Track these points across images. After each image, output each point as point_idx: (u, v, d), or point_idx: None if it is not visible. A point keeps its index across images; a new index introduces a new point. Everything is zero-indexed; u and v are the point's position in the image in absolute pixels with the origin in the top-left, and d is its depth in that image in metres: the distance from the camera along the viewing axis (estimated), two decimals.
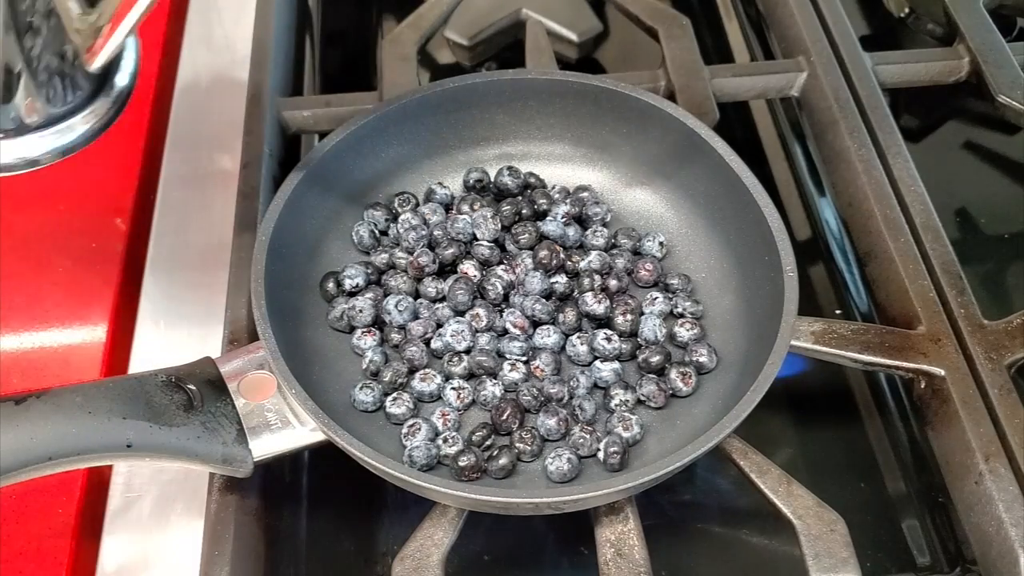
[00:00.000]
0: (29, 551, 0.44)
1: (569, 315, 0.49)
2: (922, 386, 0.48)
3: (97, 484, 0.47)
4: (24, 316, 0.52)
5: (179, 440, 0.40)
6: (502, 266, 0.51)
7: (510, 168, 0.55)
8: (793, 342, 0.47)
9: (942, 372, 0.47)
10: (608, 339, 0.48)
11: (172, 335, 0.53)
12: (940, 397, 0.47)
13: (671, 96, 0.60)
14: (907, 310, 0.50)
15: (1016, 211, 0.62)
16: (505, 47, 0.71)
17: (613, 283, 0.51)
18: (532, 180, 0.55)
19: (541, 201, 0.54)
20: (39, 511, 0.45)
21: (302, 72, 0.69)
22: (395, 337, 0.49)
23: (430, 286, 0.51)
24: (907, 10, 0.71)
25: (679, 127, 0.52)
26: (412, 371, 0.48)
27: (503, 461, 0.45)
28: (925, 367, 0.47)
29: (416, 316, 0.50)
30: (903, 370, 0.48)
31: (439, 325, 0.50)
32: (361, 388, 0.47)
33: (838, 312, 0.58)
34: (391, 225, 0.54)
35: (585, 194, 0.55)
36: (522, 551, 0.49)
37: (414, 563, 0.41)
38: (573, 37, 0.71)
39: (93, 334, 0.52)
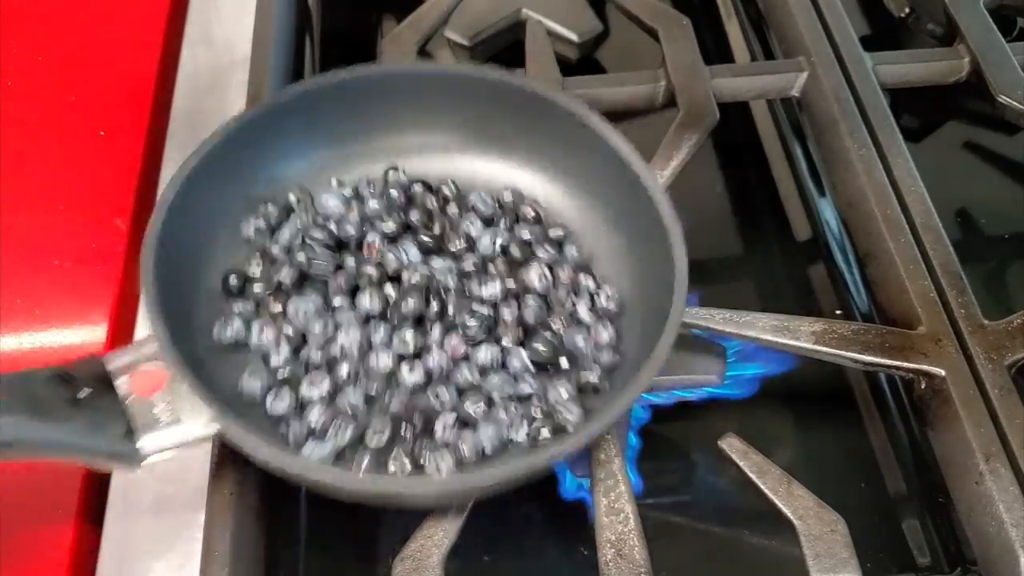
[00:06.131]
0: (29, 549, 0.44)
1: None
2: (922, 386, 0.48)
3: (97, 483, 0.47)
4: (24, 316, 0.52)
5: (62, 435, 0.40)
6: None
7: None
8: (793, 342, 0.48)
9: (942, 372, 0.47)
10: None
11: None
12: (940, 397, 0.47)
13: (671, 97, 0.60)
14: (907, 310, 0.50)
15: (1016, 211, 0.62)
16: (505, 47, 0.71)
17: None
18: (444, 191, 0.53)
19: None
20: (38, 509, 0.45)
21: (302, 72, 0.69)
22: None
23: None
24: (907, 10, 0.71)
25: (550, 107, 0.51)
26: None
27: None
28: (925, 367, 0.47)
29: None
30: (903, 370, 0.48)
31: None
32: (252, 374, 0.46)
33: (838, 312, 0.58)
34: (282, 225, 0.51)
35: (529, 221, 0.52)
36: (522, 551, 0.49)
37: (414, 563, 0.41)
38: (573, 37, 0.71)
39: (93, 334, 0.52)
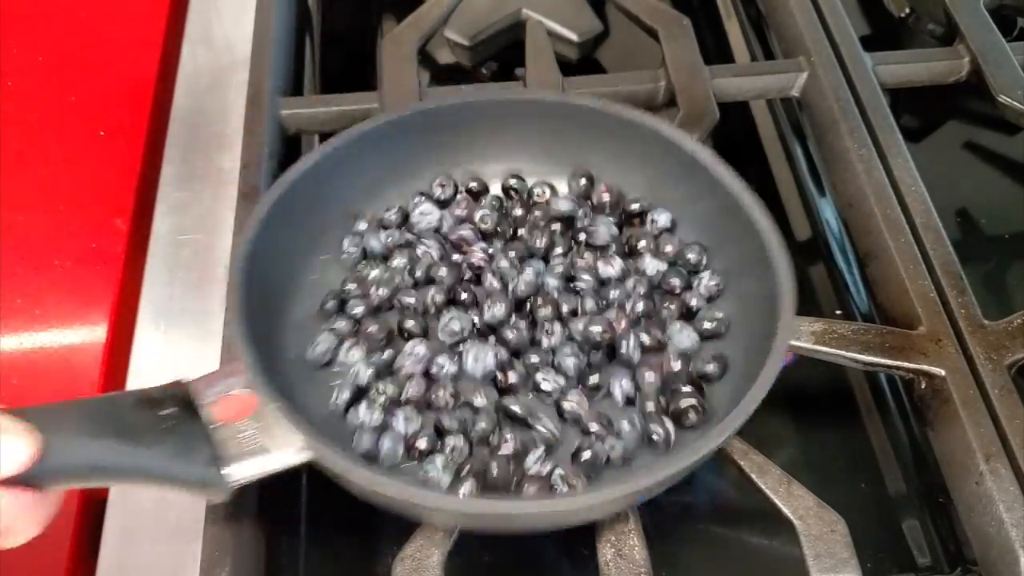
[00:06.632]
0: (29, 548, 0.44)
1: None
2: (922, 386, 0.48)
3: (96, 488, 0.47)
4: (24, 316, 0.52)
5: (149, 460, 0.39)
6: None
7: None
8: (793, 342, 0.47)
9: (942, 372, 0.47)
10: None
11: (172, 335, 0.53)
12: (940, 397, 0.47)
13: (671, 97, 0.60)
14: (907, 310, 0.50)
15: (1016, 211, 0.62)
16: (505, 47, 0.71)
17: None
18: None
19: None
20: None
21: (302, 72, 0.69)
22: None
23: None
24: (907, 10, 0.71)
25: (662, 142, 0.51)
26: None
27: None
28: (925, 367, 0.47)
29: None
30: (903, 370, 0.48)
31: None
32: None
33: (838, 312, 0.58)
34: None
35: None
36: (522, 551, 0.49)
37: (414, 563, 0.41)
38: (573, 37, 0.71)
39: (93, 334, 0.52)
